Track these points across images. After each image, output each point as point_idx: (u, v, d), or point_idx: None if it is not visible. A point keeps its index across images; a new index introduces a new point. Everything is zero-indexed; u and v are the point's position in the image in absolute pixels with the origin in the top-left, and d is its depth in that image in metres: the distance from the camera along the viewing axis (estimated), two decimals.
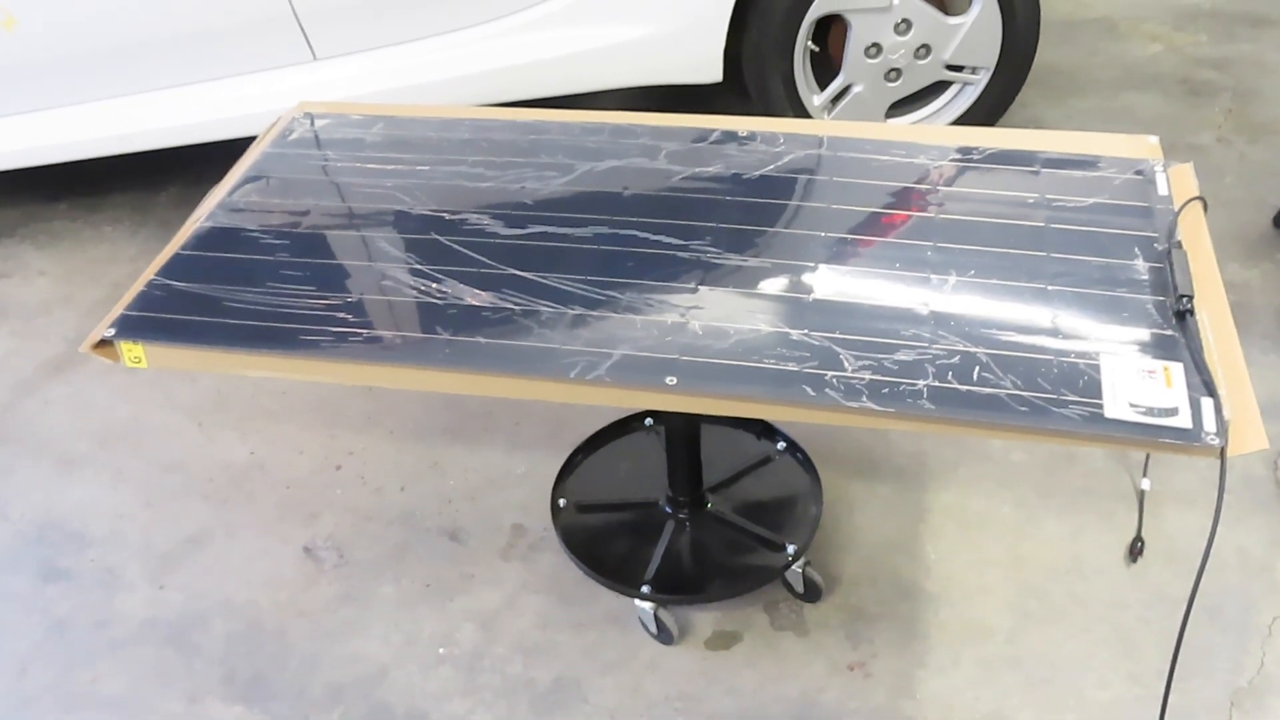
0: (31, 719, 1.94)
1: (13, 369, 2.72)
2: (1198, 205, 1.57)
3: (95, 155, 2.90)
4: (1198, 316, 1.39)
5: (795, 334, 1.42)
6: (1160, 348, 1.36)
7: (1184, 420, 1.26)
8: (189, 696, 1.95)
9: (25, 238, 3.20)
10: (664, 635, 1.96)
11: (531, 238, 1.63)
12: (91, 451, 2.46)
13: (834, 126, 1.84)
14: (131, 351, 1.52)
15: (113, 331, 1.51)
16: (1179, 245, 1.49)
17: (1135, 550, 2.04)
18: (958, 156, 1.73)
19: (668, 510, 2.07)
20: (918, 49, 2.87)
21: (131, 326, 1.52)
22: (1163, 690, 1.48)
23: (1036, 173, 1.68)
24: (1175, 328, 1.38)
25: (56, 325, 2.85)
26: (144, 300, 1.56)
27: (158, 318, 1.53)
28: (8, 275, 3.06)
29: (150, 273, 1.61)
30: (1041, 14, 2.92)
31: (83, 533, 2.27)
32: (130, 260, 3.06)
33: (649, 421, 2.26)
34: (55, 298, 2.96)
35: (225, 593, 2.12)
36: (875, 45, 2.85)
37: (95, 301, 2.92)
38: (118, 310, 1.55)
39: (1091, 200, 1.62)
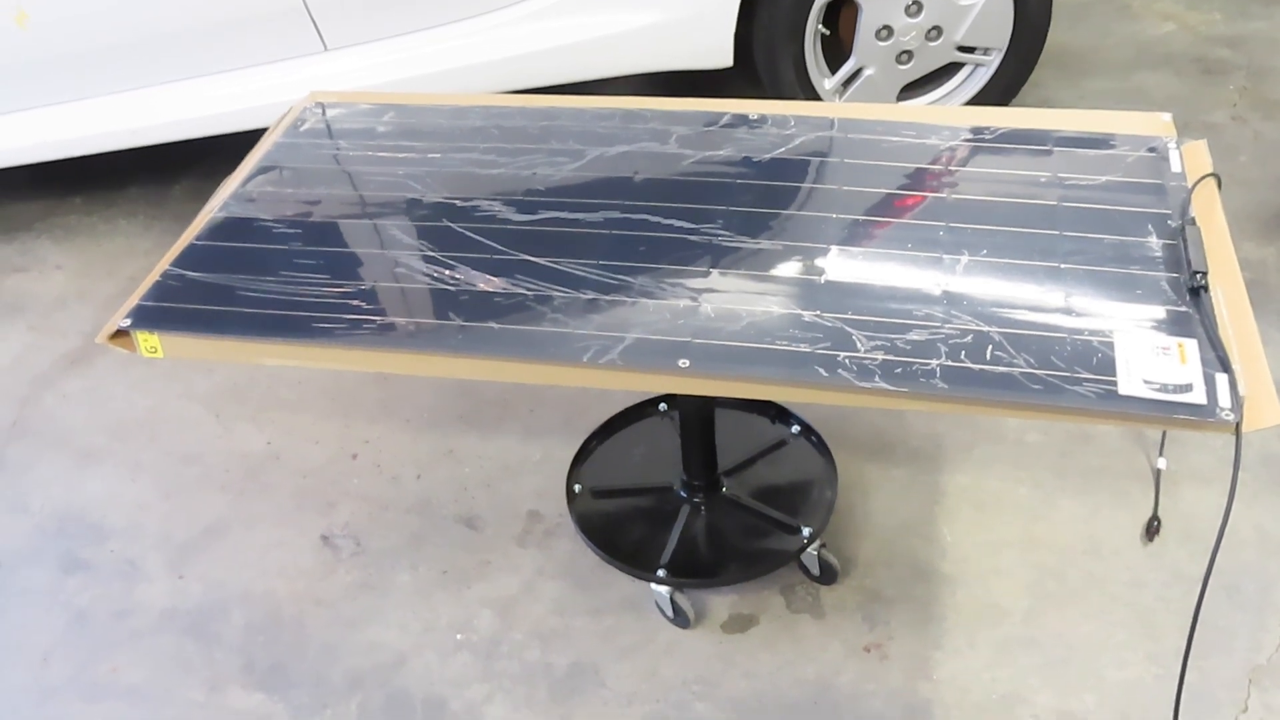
0: (54, 709, 1.96)
1: (31, 363, 2.74)
2: (1211, 182, 1.56)
3: (108, 149, 2.91)
4: (1212, 293, 1.38)
5: (808, 315, 1.42)
6: (1174, 324, 1.35)
7: (1199, 396, 1.25)
8: (209, 685, 1.97)
9: (42, 232, 3.22)
10: (680, 619, 1.97)
11: (543, 223, 1.63)
12: (110, 444, 2.48)
13: (845, 108, 1.83)
14: (148, 341, 1.53)
15: (129, 322, 1.52)
16: (1193, 221, 1.48)
17: (1152, 530, 2.04)
18: (969, 136, 1.73)
19: (683, 495, 2.07)
20: (929, 31, 2.86)
21: (147, 316, 1.53)
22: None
23: (1049, 152, 1.68)
24: (1189, 304, 1.37)
25: (73, 319, 2.87)
26: (159, 290, 1.57)
27: (173, 308, 1.54)
28: (25, 270, 3.08)
29: (165, 263, 1.62)
30: None
31: (102, 524, 2.29)
32: (145, 254, 3.08)
33: (663, 407, 2.27)
34: (72, 292, 2.97)
35: (244, 582, 2.14)
36: (886, 27, 2.84)
37: (111, 295, 2.94)
38: (134, 300, 1.55)
39: (1104, 178, 1.61)
